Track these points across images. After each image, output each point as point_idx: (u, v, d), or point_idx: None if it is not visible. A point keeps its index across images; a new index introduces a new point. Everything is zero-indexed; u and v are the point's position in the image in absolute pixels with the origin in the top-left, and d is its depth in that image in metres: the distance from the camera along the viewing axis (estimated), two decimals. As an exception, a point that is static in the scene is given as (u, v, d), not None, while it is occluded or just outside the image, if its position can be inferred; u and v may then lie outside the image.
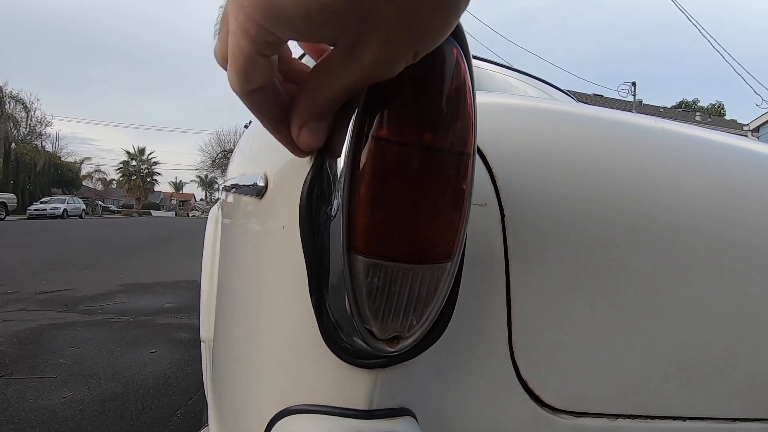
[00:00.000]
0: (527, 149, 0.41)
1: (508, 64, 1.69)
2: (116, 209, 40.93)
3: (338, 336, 0.30)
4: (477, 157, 0.32)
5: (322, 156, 0.29)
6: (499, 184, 0.39)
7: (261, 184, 0.40)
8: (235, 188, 0.59)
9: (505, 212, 0.39)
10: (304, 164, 0.32)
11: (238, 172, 0.70)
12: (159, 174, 47.49)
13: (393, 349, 0.29)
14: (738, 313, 0.43)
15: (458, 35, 0.28)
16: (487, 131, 0.39)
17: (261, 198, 0.41)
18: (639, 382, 0.41)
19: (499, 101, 0.46)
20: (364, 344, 0.28)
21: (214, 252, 0.99)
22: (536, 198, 0.40)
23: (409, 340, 0.29)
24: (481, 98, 0.36)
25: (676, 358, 0.41)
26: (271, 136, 0.30)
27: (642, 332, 0.40)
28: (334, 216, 0.27)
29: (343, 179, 0.26)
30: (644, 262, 0.40)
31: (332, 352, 0.30)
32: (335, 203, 0.27)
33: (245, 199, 0.49)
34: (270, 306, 0.36)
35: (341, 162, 0.27)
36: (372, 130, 0.26)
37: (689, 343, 0.41)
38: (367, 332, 0.28)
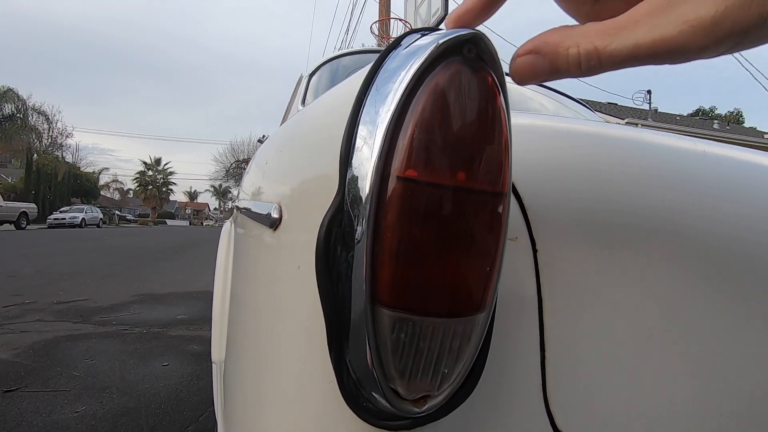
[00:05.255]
0: (562, 177, 0.38)
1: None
2: (132, 218, 41.66)
3: (360, 394, 0.27)
4: None
5: (341, 194, 0.26)
6: (530, 216, 0.36)
7: (275, 215, 0.37)
8: (248, 213, 0.56)
9: (537, 246, 0.36)
10: (322, 201, 0.29)
11: (251, 189, 0.68)
12: (174, 183, 48.33)
13: (420, 410, 0.26)
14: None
15: (492, 61, 0.25)
16: (517, 157, 0.36)
17: (275, 230, 0.38)
18: None
19: (529, 122, 0.43)
20: (387, 405, 0.25)
21: (227, 271, 0.97)
22: (572, 230, 0.37)
23: (438, 399, 0.26)
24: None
25: (731, 410, 0.37)
26: (286, 164, 0.27)
27: (692, 379, 0.36)
28: (356, 263, 0.24)
29: (365, 223, 0.24)
30: (697, 299, 0.36)
31: (353, 412, 0.27)
32: (357, 249, 0.24)
33: (258, 227, 0.46)
34: (284, 352, 0.33)
35: (363, 203, 0.24)
36: (398, 169, 0.23)
37: (749, 394, 0.37)
38: (392, 392, 0.25)
